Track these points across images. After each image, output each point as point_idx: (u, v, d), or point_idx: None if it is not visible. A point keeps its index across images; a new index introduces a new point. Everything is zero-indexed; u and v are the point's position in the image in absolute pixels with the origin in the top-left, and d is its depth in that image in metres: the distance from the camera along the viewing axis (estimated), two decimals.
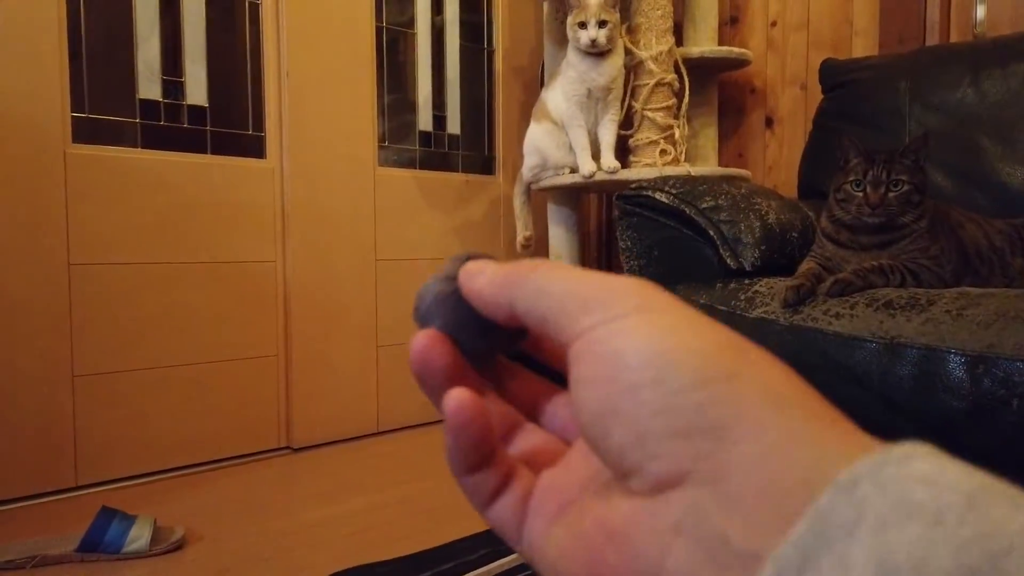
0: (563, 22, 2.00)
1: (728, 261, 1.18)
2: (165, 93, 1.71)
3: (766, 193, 1.30)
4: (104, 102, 1.63)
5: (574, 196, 2.08)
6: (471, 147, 2.28)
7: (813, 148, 1.71)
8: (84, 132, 1.59)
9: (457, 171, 2.24)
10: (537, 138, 1.93)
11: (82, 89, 1.59)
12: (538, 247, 2.11)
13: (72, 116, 1.57)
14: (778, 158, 2.09)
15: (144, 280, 1.65)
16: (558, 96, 1.87)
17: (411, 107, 2.15)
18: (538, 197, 2.09)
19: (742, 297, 1.09)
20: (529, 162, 1.97)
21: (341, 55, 1.95)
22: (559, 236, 2.08)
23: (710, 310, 1.12)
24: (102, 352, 1.60)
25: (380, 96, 2.06)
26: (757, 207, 1.22)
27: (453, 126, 2.24)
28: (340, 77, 1.95)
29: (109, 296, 1.61)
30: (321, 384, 1.92)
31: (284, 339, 1.88)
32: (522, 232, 2.03)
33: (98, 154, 1.60)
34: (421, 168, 2.16)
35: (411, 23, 2.13)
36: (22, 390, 1.51)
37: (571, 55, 1.81)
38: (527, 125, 1.98)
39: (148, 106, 1.69)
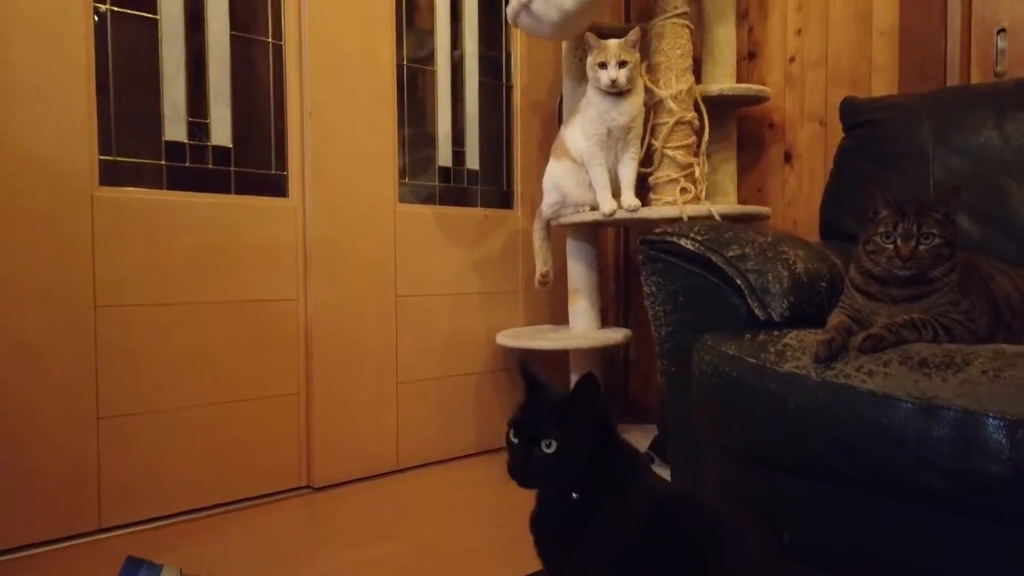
0: (582, 59, 2.01)
1: (756, 311, 1.18)
2: (190, 134, 1.73)
3: (792, 241, 1.30)
4: (130, 144, 1.65)
5: (593, 232, 2.08)
6: (489, 182, 2.30)
7: (834, 187, 1.70)
8: (111, 174, 1.61)
9: (476, 206, 2.25)
10: (557, 176, 1.94)
11: (109, 132, 1.61)
12: (557, 282, 2.11)
13: (99, 159, 1.59)
14: (797, 193, 2.09)
15: (169, 321, 1.66)
16: (578, 134, 1.88)
17: (431, 143, 2.17)
18: (557, 232, 2.09)
19: (772, 350, 1.09)
20: (549, 199, 1.98)
21: (363, 94, 1.96)
22: (578, 271, 2.08)
23: (739, 362, 1.11)
24: (126, 393, 1.61)
25: (401, 133, 2.07)
26: (784, 256, 1.22)
27: (472, 161, 2.25)
28: (362, 115, 1.96)
29: (134, 337, 1.62)
30: (342, 422, 1.92)
31: (305, 377, 1.88)
32: (540, 268, 2.04)
33: (124, 196, 1.62)
34: (440, 203, 2.17)
35: (431, 59, 2.15)
36: (47, 433, 1.52)
37: (591, 94, 1.82)
38: (545, 159, 1.99)
39: (174, 148, 1.70)
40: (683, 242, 1.28)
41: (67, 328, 1.54)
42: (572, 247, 2.09)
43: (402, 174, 2.08)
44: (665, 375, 1.37)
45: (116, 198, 1.60)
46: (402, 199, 2.07)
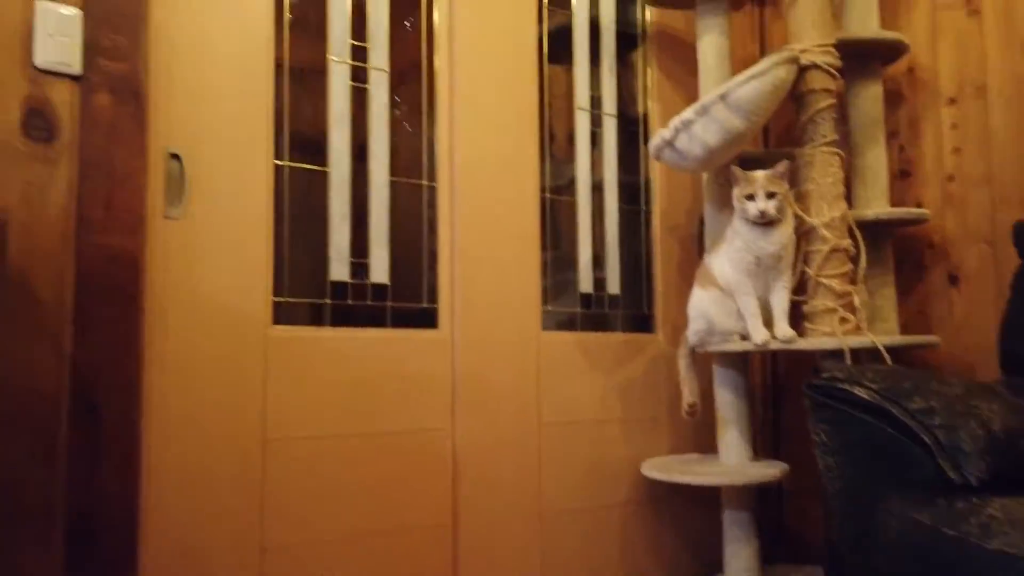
0: (723, 186, 2.02)
1: (949, 473, 1.09)
2: (352, 274, 1.84)
3: (983, 391, 1.20)
4: (300, 285, 1.77)
5: (742, 360, 2.02)
6: (630, 306, 2.29)
7: (1015, 318, 1.58)
8: (282, 314, 1.73)
9: (617, 331, 2.25)
10: (703, 304, 1.91)
11: (282, 275, 1.74)
12: (702, 406, 2.04)
13: (273, 300, 1.72)
14: (967, 319, 1.95)
15: (329, 453, 1.73)
16: (724, 263, 1.86)
17: (572, 269, 2.20)
18: (703, 358, 2.04)
19: (974, 522, 0.99)
20: (695, 327, 1.94)
21: (508, 226, 2.04)
22: (726, 400, 2.01)
23: (936, 534, 1.02)
24: (288, 525, 1.67)
25: (543, 261, 2.12)
26: (977, 411, 1.13)
27: (613, 286, 2.27)
28: (507, 247, 2.03)
29: (298, 470, 1.69)
30: (487, 555, 1.90)
31: (452, 508, 1.89)
32: (687, 399, 1.98)
33: (294, 335, 1.73)
34: (582, 329, 2.18)
35: (571, 187, 2.22)
36: (211, 566, 1.58)
37: (738, 224, 1.80)
38: (685, 282, 1.98)
39: (338, 287, 1.82)
40: (857, 391, 1.21)
41: (237, 462, 1.62)
42: (719, 374, 2.03)
43: (544, 301, 2.12)
44: (840, 532, 1.27)
45: (286, 337, 1.72)
46: (545, 327, 2.10)
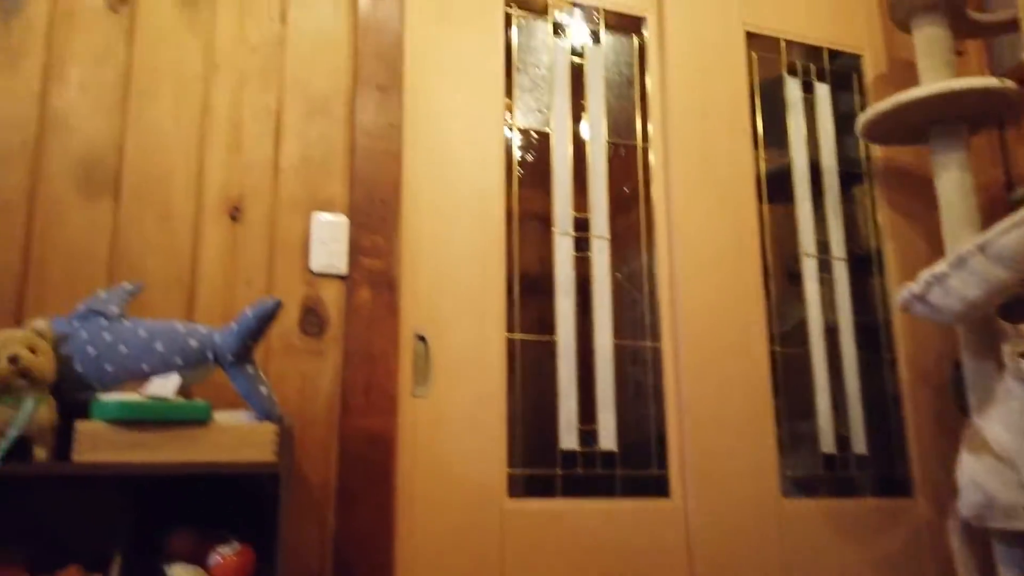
0: (981, 332, 1.81)
1: None
2: (581, 442, 1.84)
3: None
4: (531, 456, 1.80)
5: None
6: (880, 466, 2.07)
7: None
8: (516, 486, 1.76)
9: (866, 496, 2.03)
10: (976, 474, 1.68)
11: (515, 447, 1.79)
12: None
13: (508, 472, 1.76)
14: None
15: None
16: (998, 427, 1.64)
17: (811, 429, 2.05)
18: (981, 530, 1.78)
19: None
20: (969, 499, 1.70)
21: (737, 384, 1.96)
22: None
23: None
24: None
25: (777, 419, 2.00)
26: None
27: (858, 445, 2.07)
28: (738, 406, 1.95)
29: None
30: None
31: None
32: None
33: (527, 507, 1.74)
34: (826, 494, 1.99)
35: (800, 335, 2.10)
36: None
37: (1012, 383, 1.60)
38: (944, 436, 1.77)
39: (567, 456, 1.82)
40: None
41: None
42: (1003, 554, 1.74)
43: (783, 467, 1.97)
44: None
45: (520, 509, 1.73)
46: (785, 492, 1.95)
